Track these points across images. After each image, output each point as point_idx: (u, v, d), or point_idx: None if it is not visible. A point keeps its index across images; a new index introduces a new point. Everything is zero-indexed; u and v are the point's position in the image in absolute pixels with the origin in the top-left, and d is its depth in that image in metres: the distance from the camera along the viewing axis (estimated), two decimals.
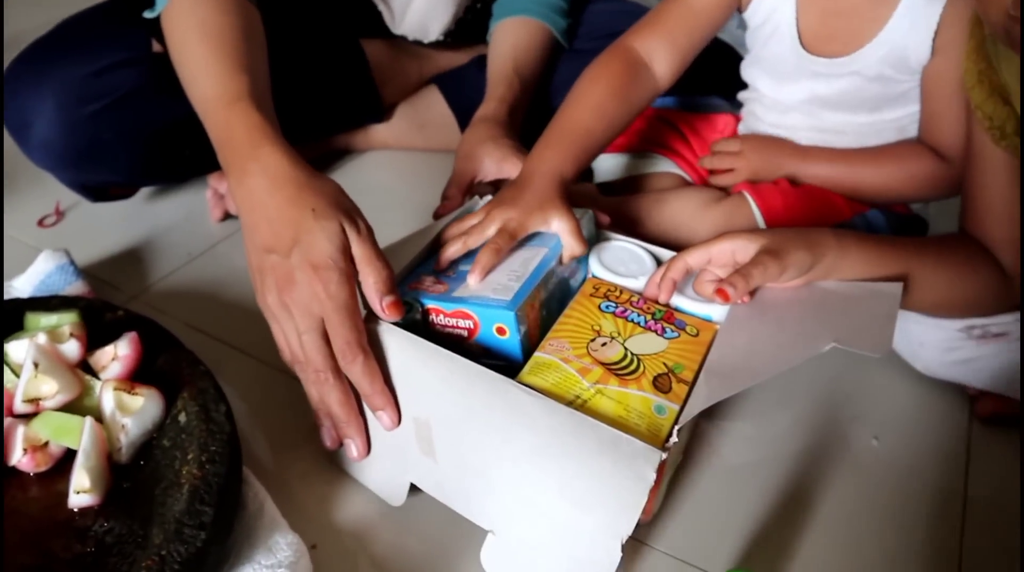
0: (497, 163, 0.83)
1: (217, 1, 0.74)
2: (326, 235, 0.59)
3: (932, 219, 0.95)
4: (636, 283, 0.70)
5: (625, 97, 0.83)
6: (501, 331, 0.62)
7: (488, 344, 0.63)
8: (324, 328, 0.59)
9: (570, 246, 0.69)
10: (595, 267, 0.72)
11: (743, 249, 0.67)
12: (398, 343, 0.61)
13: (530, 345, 0.64)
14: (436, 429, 0.59)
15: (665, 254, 0.73)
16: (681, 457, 0.70)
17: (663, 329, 0.66)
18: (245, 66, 0.70)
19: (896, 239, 0.72)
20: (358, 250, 0.60)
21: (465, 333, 0.63)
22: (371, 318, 0.62)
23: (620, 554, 0.53)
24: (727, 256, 0.67)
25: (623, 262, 0.73)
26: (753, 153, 0.90)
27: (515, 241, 0.68)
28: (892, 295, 0.64)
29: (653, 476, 0.52)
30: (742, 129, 1.01)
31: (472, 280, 0.65)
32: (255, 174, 0.62)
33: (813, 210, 0.88)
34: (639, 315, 0.67)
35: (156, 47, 0.88)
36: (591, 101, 0.82)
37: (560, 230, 0.70)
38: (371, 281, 0.60)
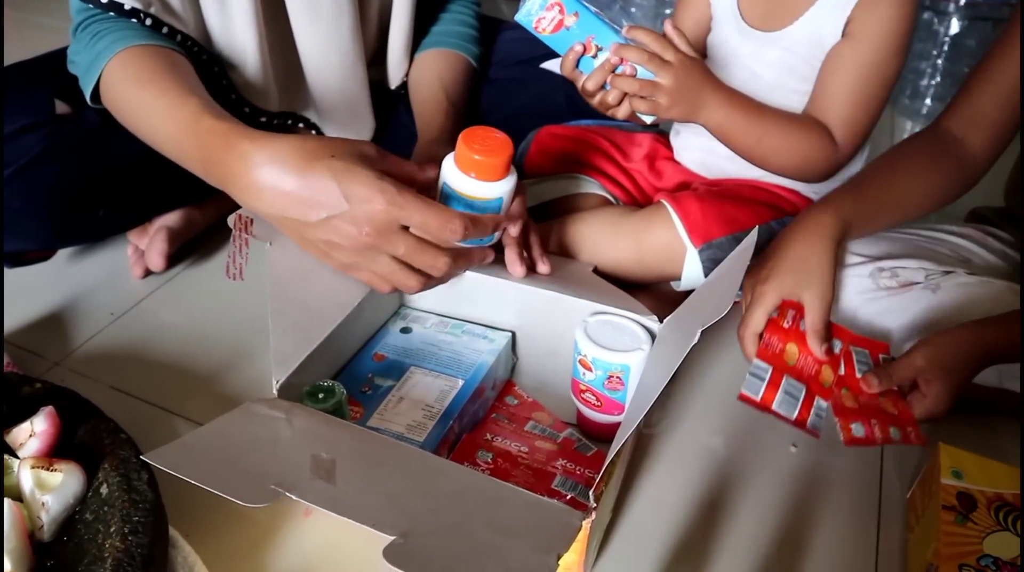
0: None
1: (148, 53, 0.78)
2: (360, 168, 0.62)
3: None
4: (634, 357, 0.70)
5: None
6: None
7: None
8: (402, 255, 0.64)
9: None
10: (585, 345, 0.71)
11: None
12: (306, 421, 0.61)
13: None
14: (341, 465, 0.58)
15: (654, 325, 0.73)
16: (611, 516, 0.71)
17: None
18: (190, 89, 0.73)
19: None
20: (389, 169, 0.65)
21: None
22: (283, 395, 0.63)
23: (557, 566, 0.51)
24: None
25: (611, 337, 0.72)
26: (683, 71, 0.81)
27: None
28: (746, 248, 0.65)
29: (580, 523, 0.53)
30: (673, 135, 1.04)
31: None
32: (253, 168, 0.64)
33: (732, 216, 0.90)
34: None
35: (61, 108, 0.88)
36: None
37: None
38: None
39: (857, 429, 0.71)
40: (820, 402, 0.72)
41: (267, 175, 0.64)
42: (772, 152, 0.86)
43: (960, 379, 0.72)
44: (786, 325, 0.76)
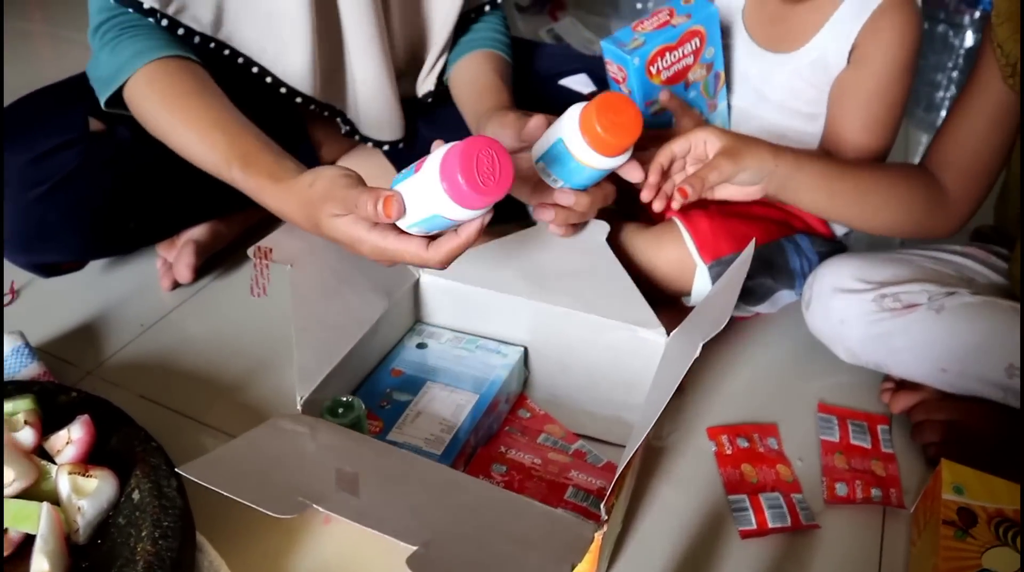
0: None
1: (171, 69, 0.81)
2: (350, 225, 0.67)
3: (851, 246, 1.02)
4: None
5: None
6: None
7: None
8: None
9: None
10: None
11: (711, 142, 0.73)
12: (329, 436, 0.64)
13: None
14: (364, 479, 0.60)
15: (660, 339, 0.75)
16: (621, 527, 0.73)
17: None
18: (216, 123, 0.78)
19: (836, 158, 0.83)
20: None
21: None
22: (306, 410, 0.66)
23: None
24: (700, 147, 0.74)
25: None
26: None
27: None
28: (743, 263, 0.67)
29: (592, 534, 0.55)
30: None
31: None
32: (282, 217, 0.75)
33: (742, 233, 0.92)
34: None
35: (94, 125, 0.91)
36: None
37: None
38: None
39: (840, 488, 0.77)
40: (795, 496, 0.77)
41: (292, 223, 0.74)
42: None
43: None
44: (728, 452, 0.80)
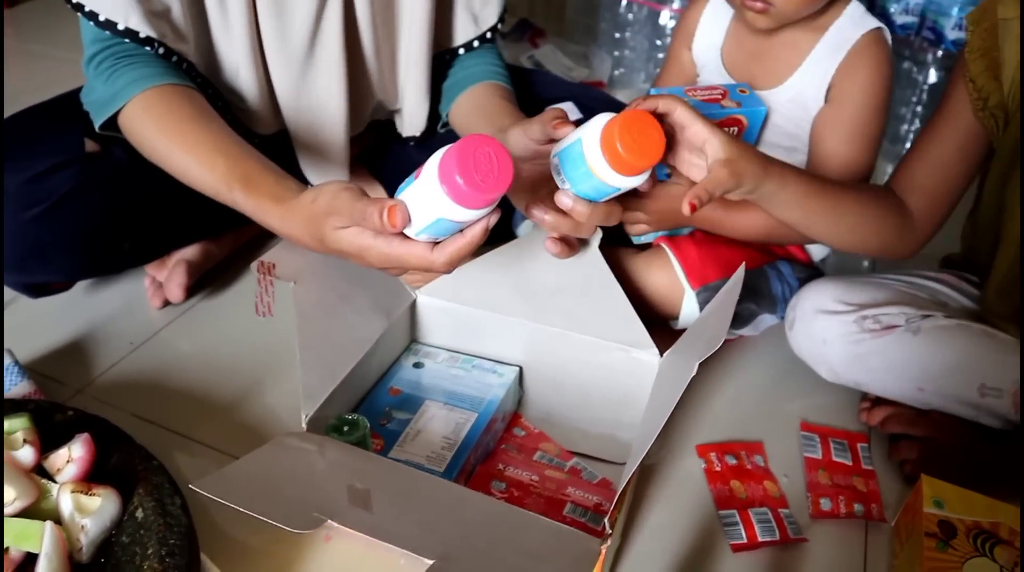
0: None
1: (167, 95, 0.81)
2: (355, 236, 0.67)
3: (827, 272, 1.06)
4: None
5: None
6: None
7: None
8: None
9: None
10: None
11: (711, 145, 0.70)
12: (337, 453, 0.65)
13: None
14: (376, 495, 0.61)
15: (653, 359, 0.77)
16: (620, 541, 0.75)
17: None
18: (215, 147, 0.78)
19: (816, 176, 0.83)
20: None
21: None
22: (311, 427, 0.68)
23: None
24: (700, 138, 0.70)
25: None
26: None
27: None
28: (734, 286, 0.70)
29: (599, 548, 0.57)
30: None
31: None
32: (282, 236, 0.74)
33: (728, 260, 0.96)
34: None
35: (90, 146, 0.92)
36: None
37: None
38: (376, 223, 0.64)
39: (825, 503, 0.80)
40: (783, 511, 0.79)
41: (295, 243, 0.74)
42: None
43: None
44: (717, 469, 0.83)
